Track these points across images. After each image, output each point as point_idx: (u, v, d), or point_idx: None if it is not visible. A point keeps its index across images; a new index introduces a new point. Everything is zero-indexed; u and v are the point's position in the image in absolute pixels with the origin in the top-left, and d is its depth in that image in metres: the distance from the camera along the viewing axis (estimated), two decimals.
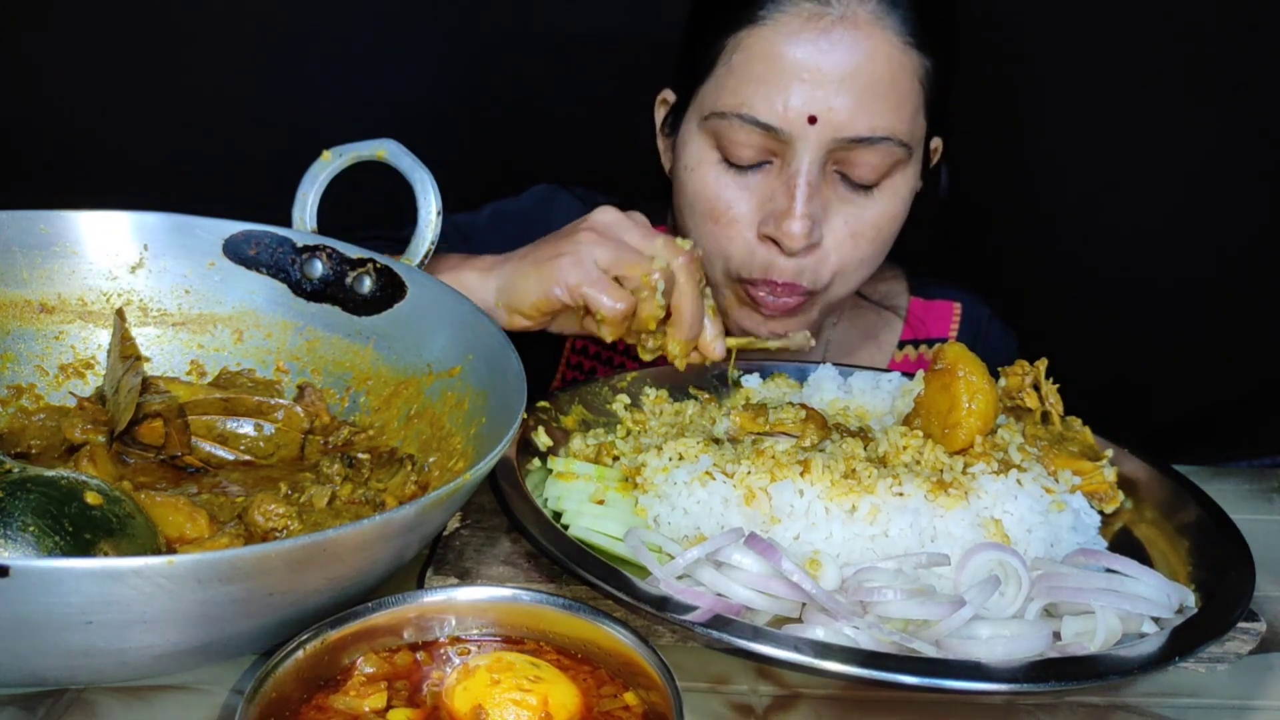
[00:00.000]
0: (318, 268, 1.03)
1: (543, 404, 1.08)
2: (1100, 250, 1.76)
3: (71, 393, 0.99)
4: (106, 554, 0.71)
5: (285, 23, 1.69)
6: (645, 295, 1.03)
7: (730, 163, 1.21)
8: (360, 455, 0.93)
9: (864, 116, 1.16)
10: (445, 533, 0.93)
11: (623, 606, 0.81)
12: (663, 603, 0.79)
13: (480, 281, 1.09)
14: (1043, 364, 1.09)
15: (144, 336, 1.02)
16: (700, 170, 1.24)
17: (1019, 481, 0.95)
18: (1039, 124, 1.71)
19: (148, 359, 1.02)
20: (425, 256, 1.03)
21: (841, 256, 1.23)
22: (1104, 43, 1.66)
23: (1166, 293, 1.75)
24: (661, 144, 1.35)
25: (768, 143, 1.18)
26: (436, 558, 0.90)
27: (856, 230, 1.22)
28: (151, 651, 0.69)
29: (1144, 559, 0.94)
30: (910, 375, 1.14)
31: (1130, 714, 0.81)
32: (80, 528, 0.71)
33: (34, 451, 0.92)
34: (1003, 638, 0.79)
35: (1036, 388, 1.09)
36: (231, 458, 0.96)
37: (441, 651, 0.73)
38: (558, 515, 0.95)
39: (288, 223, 1.04)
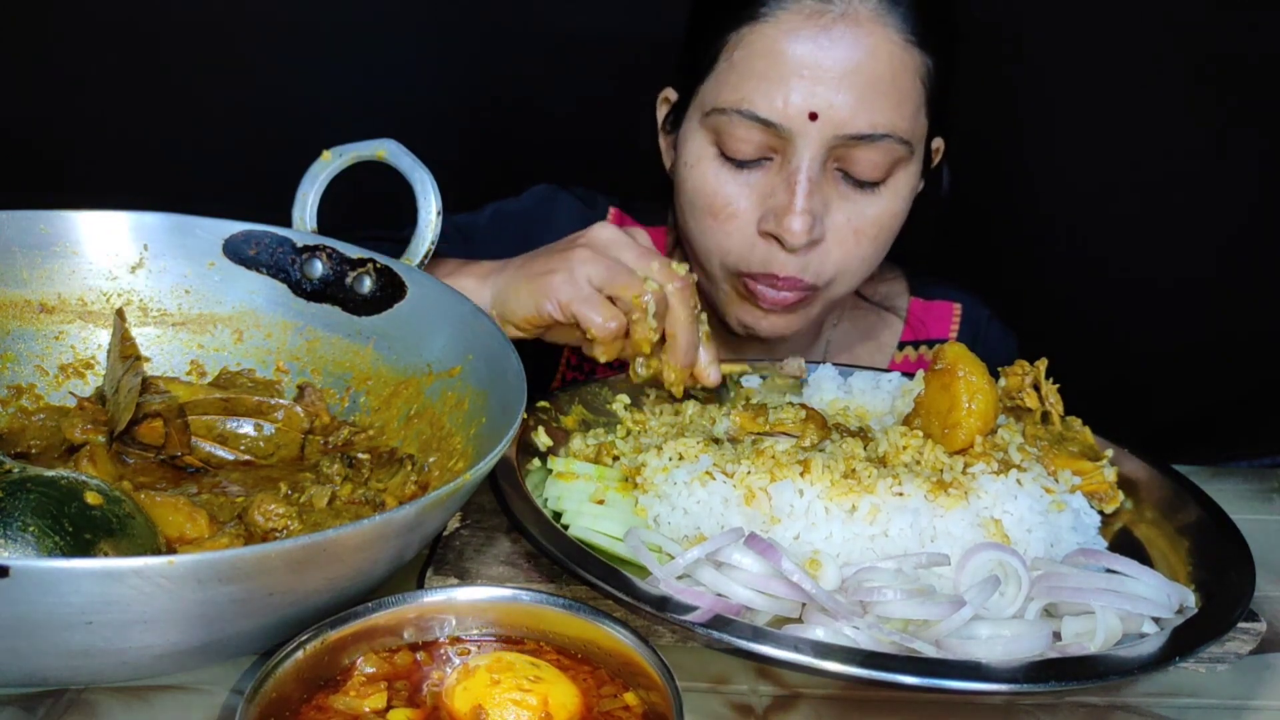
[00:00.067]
0: (318, 268, 1.03)
1: (543, 404, 1.08)
2: (1100, 250, 1.76)
3: (71, 393, 0.99)
4: (106, 554, 0.71)
5: (285, 23, 1.69)
6: (637, 317, 1.02)
7: (730, 159, 1.21)
8: (360, 455, 0.93)
9: (865, 114, 1.16)
10: (445, 533, 0.93)
11: (623, 606, 0.81)
12: (663, 603, 0.79)
13: (476, 287, 1.09)
14: (1043, 364, 1.09)
15: (144, 336, 1.02)
16: (700, 166, 1.24)
17: (1019, 481, 0.95)
18: (1039, 124, 1.71)
19: (148, 359, 1.02)
20: (425, 256, 1.03)
21: (844, 253, 1.23)
22: (1104, 43, 1.66)
23: (1166, 293, 1.75)
24: (663, 142, 1.35)
25: (768, 139, 1.18)
26: (436, 558, 0.90)
27: (859, 227, 1.22)
28: (151, 651, 0.69)
29: (1144, 559, 0.94)
30: (910, 375, 1.14)
31: (1130, 714, 0.81)
32: (80, 528, 0.71)
33: (34, 451, 0.92)
34: (1003, 638, 0.79)
35: (1036, 388, 1.09)
36: (231, 458, 0.96)
37: (441, 651, 0.73)
38: (558, 515, 0.95)
39: (288, 223, 1.04)
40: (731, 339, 1.36)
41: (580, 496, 0.96)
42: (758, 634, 0.76)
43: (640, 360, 1.06)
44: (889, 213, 1.23)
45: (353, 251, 1.03)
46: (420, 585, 0.87)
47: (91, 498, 0.73)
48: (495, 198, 1.49)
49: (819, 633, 0.79)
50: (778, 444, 0.97)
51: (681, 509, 0.93)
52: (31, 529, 0.69)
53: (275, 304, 1.03)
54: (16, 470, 0.74)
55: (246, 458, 0.96)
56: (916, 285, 1.52)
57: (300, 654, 0.68)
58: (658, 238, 1.49)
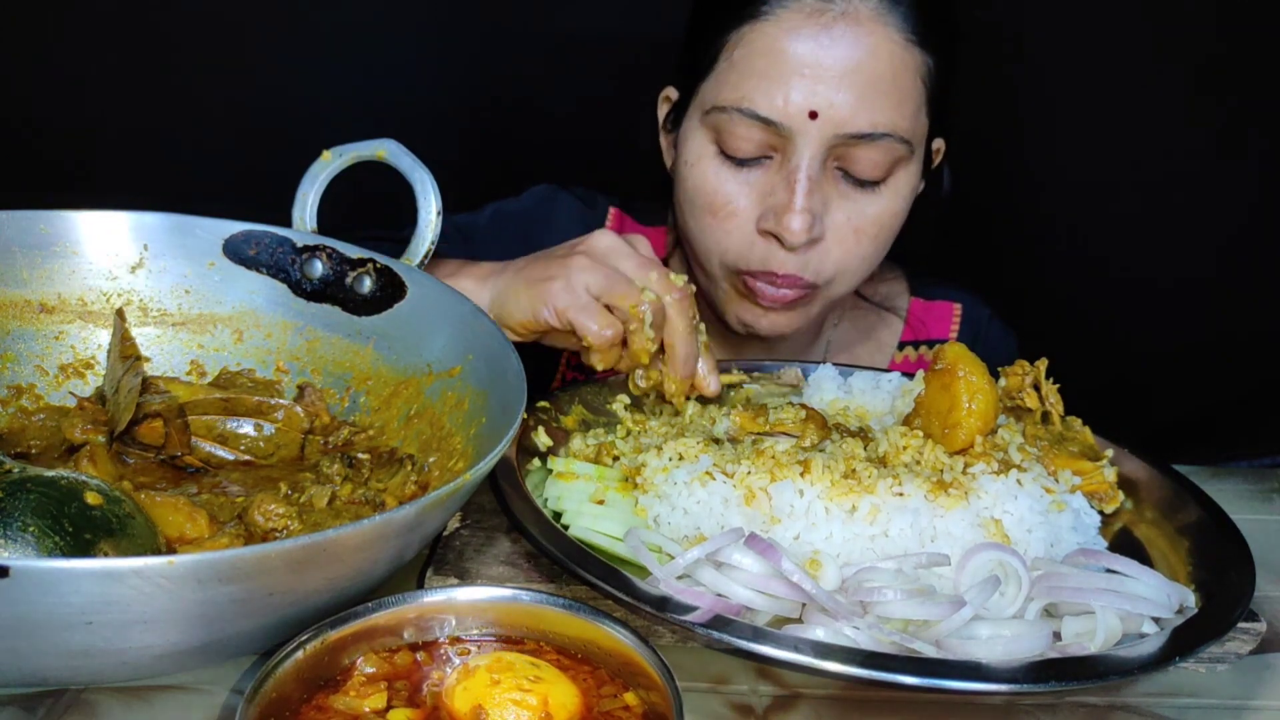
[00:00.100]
0: (318, 268, 1.03)
1: (543, 404, 1.08)
2: (1100, 250, 1.76)
3: (71, 393, 0.99)
4: (106, 554, 0.71)
5: (285, 23, 1.69)
6: (634, 327, 1.02)
7: (730, 157, 1.21)
8: (360, 455, 0.93)
9: (865, 112, 1.16)
10: (445, 533, 0.93)
11: (623, 606, 0.81)
12: (663, 603, 0.79)
13: (475, 289, 1.09)
14: (1043, 364, 1.09)
15: (144, 336, 1.02)
16: (700, 165, 1.24)
17: (1019, 481, 0.95)
18: (1039, 124, 1.71)
19: (148, 359, 1.02)
20: (425, 256, 1.03)
21: (843, 252, 1.23)
22: (1104, 43, 1.66)
23: (1166, 293, 1.75)
24: (664, 141, 1.35)
25: (768, 137, 1.18)
26: (436, 558, 0.90)
27: (859, 226, 1.22)
28: (151, 651, 0.69)
29: (1144, 559, 0.94)
30: (910, 375, 1.14)
31: (1130, 714, 0.81)
32: (80, 528, 0.71)
33: (34, 451, 0.92)
34: (1003, 638, 0.79)
35: (1036, 388, 1.09)
36: (231, 458, 0.96)
37: (441, 651, 0.73)
38: (558, 515, 0.95)
39: (288, 223, 1.04)
40: (732, 338, 1.36)
41: (580, 496, 0.96)
42: (758, 634, 0.76)
43: (640, 372, 1.06)
44: (889, 212, 1.23)
45: (353, 251, 1.03)
46: (420, 585, 0.87)
47: (91, 498, 0.73)
48: (495, 198, 1.49)
49: (819, 633, 0.79)
50: (778, 444, 0.97)
51: (681, 509, 0.93)
52: (31, 529, 0.69)
53: (275, 304, 1.03)
54: (16, 470, 0.74)
55: (246, 458, 0.96)
56: (917, 285, 1.52)
57: (300, 654, 0.68)
58: (658, 238, 1.49)
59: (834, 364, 1.21)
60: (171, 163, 1.69)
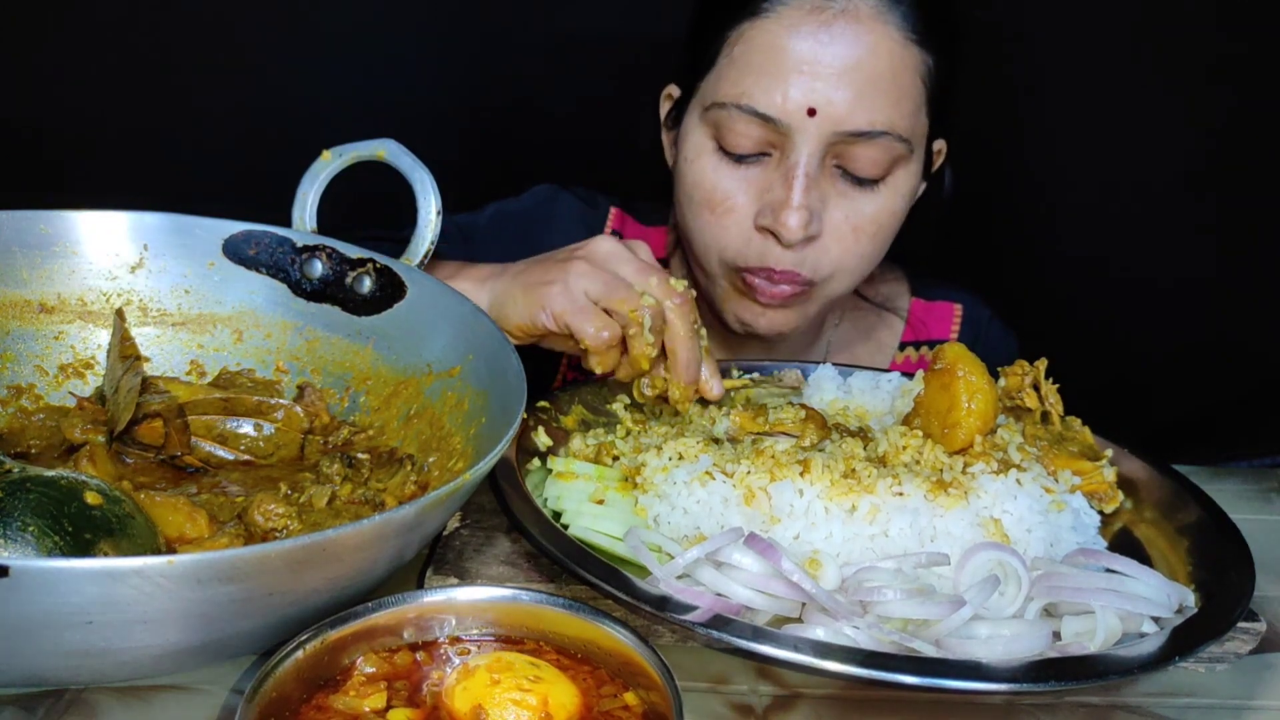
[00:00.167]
0: (318, 268, 1.03)
1: (543, 404, 1.08)
2: (1100, 250, 1.76)
3: (71, 393, 0.99)
4: (106, 554, 0.71)
5: (285, 23, 1.69)
6: (634, 332, 1.01)
7: (729, 153, 1.22)
8: (360, 455, 0.93)
9: (863, 110, 1.16)
10: (445, 533, 0.93)
11: (623, 606, 0.81)
12: (663, 603, 0.79)
13: (474, 291, 1.09)
14: (1043, 364, 1.09)
15: (144, 336, 1.02)
16: (699, 161, 1.24)
17: (1019, 481, 0.95)
18: (1039, 124, 1.71)
19: (148, 359, 1.02)
20: (425, 256, 1.03)
21: (841, 250, 1.23)
22: (1105, 42, 1.66)
23: (1166, 293, 1.75)
24: (665, 139, 1.36)
25: (767, 134, 1.19)
26: (436, 558, 0.90)
27: (857, 224, 1.22)
28: (151, 651, 0.69)
29: (1144, 559, 0.94)
30: (910, 375, 1.14)
31: (1130, 714, 0.81)
32: (80, 528, 0.71)
33: (34, 451, 0.92)
34: (1002, 637, 0.79)
35: (1036, 388, 1.09)
36: (231, 458, 0.96)
37: (441, 651, 0.73)
38: (557, 515, 0.95)
39: (288, 223, 1.05)
40: (731, 339, 1.36)
41: (580, 496, 0.96)
42: (758, 634, 0.76)
43: (644, 380, 1.06)
44: (887, 211, 1.23)
45: (353, 251, 1.03)
46: (420, 585, 0.87)
47: (91, 498, 0.73)
48: (495, 198, 1.49)
49: (819, 633, 0.79)
50: (778, 444, 0.97)
51: (681, 509, 0.93)
52: (31, 529, 0.69)
53: (275, 304, 1.03)
54: (16, 470, 0.74)
55: (246, 458, 0.97)
56: (918, 286, 1.52)
57: (300, 654, 0.68)
58: (658, 238, 1.49)
59: (834, 364, 1.21)
60: (171, 163, 1.69)
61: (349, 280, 1.03)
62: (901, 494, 0.91)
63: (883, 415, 1.12)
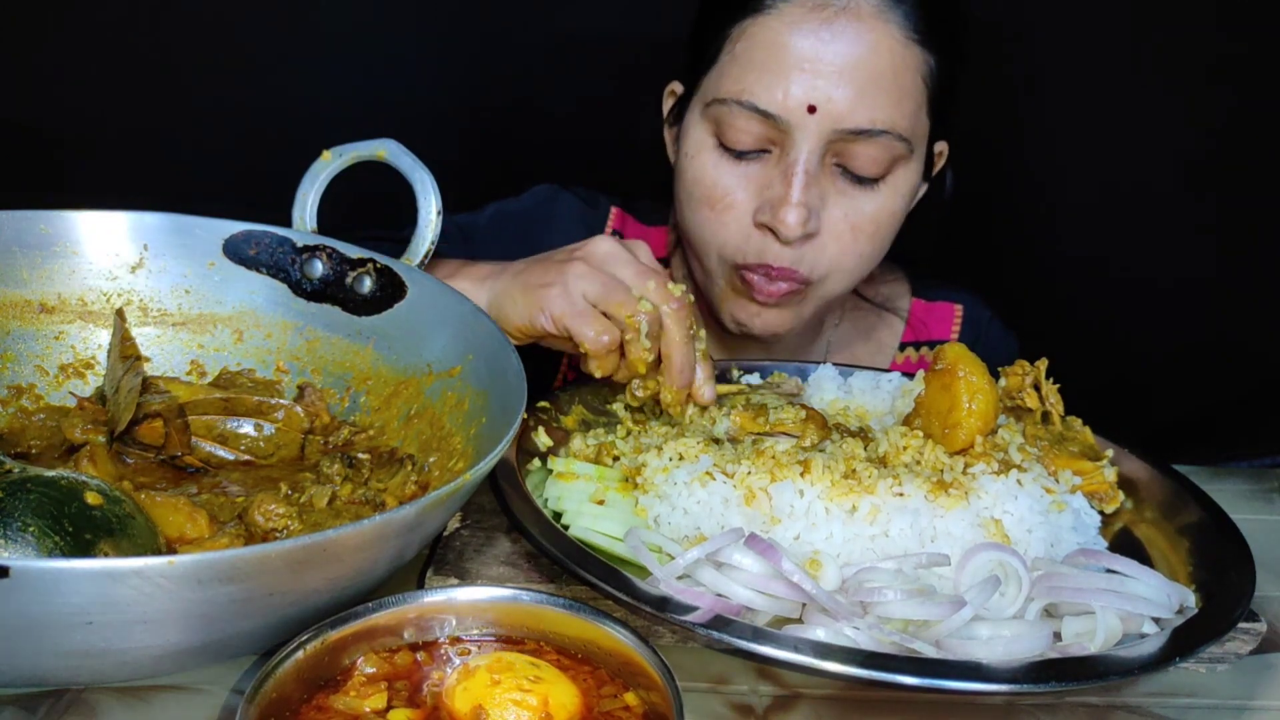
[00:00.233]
0: (318, 268, 1.03)
1: (543, 404, 1.08)
2: (1100, 250, 1.76)
3: (71, 393, 0.99)
4: (106, 554, 0.71)
5: (285, 23, 1.69)
6: (630, 337, 1.01)
7: (729, 149, 1.22)
8: (360, 455, 0.93)
9: (864, 108, 1.16)
10: (445, 533, 0.93)
11: (623, 606, 0.81)
12: (663, 603, 0.79)
13: (472, 291, 1.09)
14: (1043, 364, 1.09)
15: (144, 336, 1.02)
16: (700, 157, 1.24)
17: (1019, 481, 0.95)
18: (1039, 124, 1.71)
19: (148, 359, 1.02)
20: (425, 256, 1.03)
21: (839, 249, 1.23)
22: (1105, 42, 1.66)
23: (1166, 293, 1.75)
24: (668, 135, 1.36)
25: (767, 131, 1.19)
26: (436, 558, 0.90)
27: (855, 223, 1.22)
28: (151, 651, 0.69)
29: (1144, 559, 0.94)
30: (910, 375, 1.14)
31: (1130, 714, 0.81)
32: (80, 528, 0.71)
33: (34, 451, 0.92)
34: (1003, 638, 0.79)
35: (1037, 388, 1.09)
36: (231, 458, 0.96)
37: (441, 651, 0.73)
38: (558, 515, 0.95)
39: (288, 223, 1.04)
40: (727, 338, 1.36)
41: (580, 496, 0.96)
42: (758, 634, 0.76)
43: (636, 382, 1.06)
44: (886, 210, 1.23)
45: (353, 251, 1.03)
46: (420, 585, 0.87)
47: (92, 498, 0.73)
48: (495, 198, 1.49)
49: (819, 633, 0.79)
50: (778, 444, 0.97)
51: (681, 509, 0.93)
52: (32, 529, 0.69)
53: (275, 304, 1.03)
54: (17, 470, 0.74)
55: (246, 458, 0.97)
56: (918, 286, 1.53)
57: (300, 654, 0.68)
58: (659, 237, 1.49)
59: (834, 364, 1.21)
60: (171, 163, 1.69)
61: (349, 280, 1.03)
62: (902, 494, 0.91)
63: (883, 415, 1.12)
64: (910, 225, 1.29)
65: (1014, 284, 1.63)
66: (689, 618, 0.77)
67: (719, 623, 0.77)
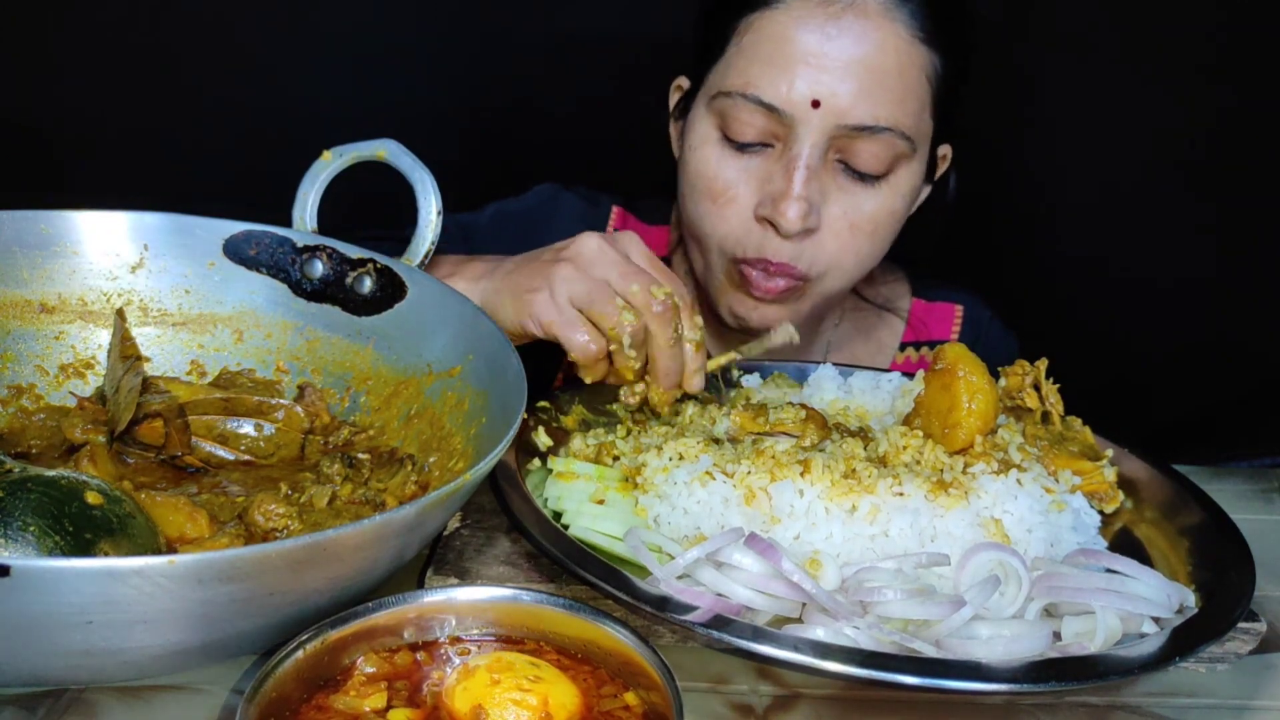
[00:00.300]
0: (318, 268, 1.03)
1: (543, 404, 1.08)
2: (1100, 250, 1.76)
3: (71, 393, 0.99)
4: (106, 554, 0.71)
5: (285, 23, 1.69)
6: (615, 348, 1.02)
7: (732, 142, 1.22)
8: (360, 455, 0.93)
9: (867, 105, 1.16)
10: (445, 533, 0.93)
11: (623, 606, 0.81)
12: (663, 603, 0.79)
13: (468, 290, 1.09)
14: (1043, 364, 1.10)
15: (144, 336, 1.02)
16: (703, 149, 1.24)
17: (1019, 481, 0.95)
18: (1040, 124, 1.71)
19: (148, 359, 1.02)
20: (425, 256, 1.03)
21: (838, 246, 1.23)
22: (1105, 42, 1.66)
23: (1166, 293, 1.75)
24: (673, 129, 1.36)
25: (770, 124, 1.19)
26: (436, 558, 0.90)
27: (855, 221, 1.22)
28: (151, 651, 0.69)
29: (1144, 559, 0.94)
30: (910, 375, 1.14)
31: (1130, 714, 0.81)
32: (80, 528, 0.71)
33: (34, 451, 0.92)
34: (1003, 638, 0.79)
35: (1037, 388, 1.09)
36: (231, 458, 0.96)
37: (441, 651, 0.73)
38: (558, 515, 0.95)
39: (288, 223, 1.04)
40: (725, 332, 1.36)
41: (580, 496, 0.96)
42: (758, 634, 0.76)
43: (625, 389, 1.06)
44: (886, 209, 1.23)
45: (353, 251, 1.03)
46: (420, 585, 0.87)
47: (92, 498, 0.73)
48: (495, 198, 1.49)
49: (819, 633, 0.79)
50: (778, 444, 0.97)
51: (681, 509, 0.93)
52: (32, 529, 0.69)
53: (275, 304, 1.03)
54: (17, 470, 0.74)
55: (246, 458, 0.97)
56: (918, 286, 1.53)
57: (300, 654, 0.68)
58: (660, 236, 1.49)
59: (834, 364, 1.21)
60: (171, 163, 1.69)
61: (349, 280, 1.03)
62: (902, 494, 0.91)
63: (883, 415, 1.12)
64: (911, 227, 1.28)
65: (1014, 284, 1.63)
66: (689, 617, 0.77)
67: (719, 622, 0.77)
